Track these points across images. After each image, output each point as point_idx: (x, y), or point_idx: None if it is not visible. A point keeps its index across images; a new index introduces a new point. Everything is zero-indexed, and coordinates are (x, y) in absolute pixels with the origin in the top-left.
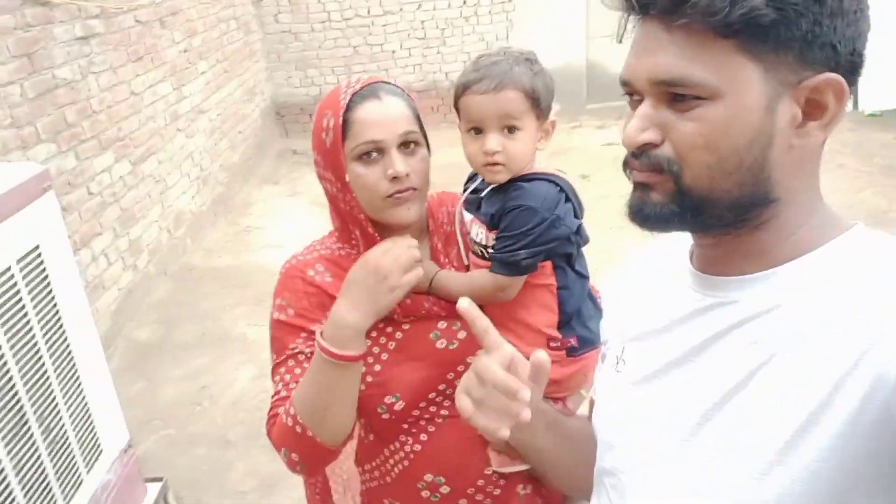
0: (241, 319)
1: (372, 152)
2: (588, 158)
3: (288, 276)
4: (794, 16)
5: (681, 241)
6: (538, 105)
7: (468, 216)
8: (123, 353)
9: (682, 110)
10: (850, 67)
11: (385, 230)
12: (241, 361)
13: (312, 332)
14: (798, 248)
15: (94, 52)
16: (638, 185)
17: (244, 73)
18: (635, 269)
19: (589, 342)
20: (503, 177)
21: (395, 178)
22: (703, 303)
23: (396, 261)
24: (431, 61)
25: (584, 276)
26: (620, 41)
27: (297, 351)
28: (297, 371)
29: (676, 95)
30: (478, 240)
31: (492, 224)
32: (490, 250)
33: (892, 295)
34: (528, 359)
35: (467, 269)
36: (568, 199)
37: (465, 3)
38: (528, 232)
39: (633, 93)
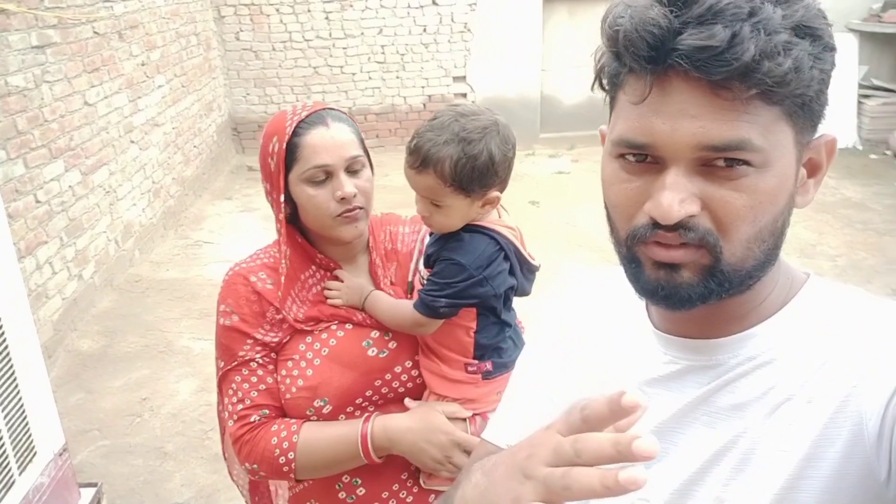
0: (186, 333)
1: (321, 175)
2: (539, 186)
3: (231, 282)
4: (825, 85)
5: (629, 287)
6: (461, 187)
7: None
8: (64, 364)
9: (727, 178)
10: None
11: (329, 244)
12: (184, 374)
13: (257, 340)
14: (770, 307)
15: (48, 62)
16: (661, 266)
17: (202, 89)
18: (584, 315)
19: (503, 367)
20: (438, 231)
21: (343, 199)
22: (677, 366)
23: (446, 447)
24: (391, 85)
25: (507, 324)
26: (643, 101)
27: (247, 358)
28: (254, 379)
29: (726, 161)
30: (422, 272)
31: (426, 263)
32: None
33: (863, 344)
34: (445, 378)
35: (410, 284)
36: (507, 258)
37: (424, 30)
38: (452, 284)
39: (646, 156)
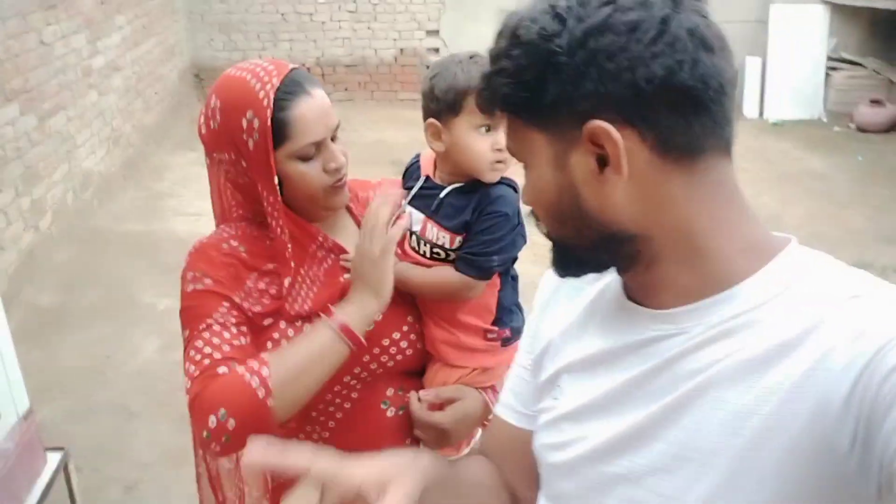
0: (149, 288)
1: (312, 150)
2: None
3: (198, 251)
4: (538, 86)
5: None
6: None
7: (418, 214)
8: (21, 318)
9: None
10: (642, 102)
11: (314, 217)
12: (148, 331)
13: (234, 303)
14: (734, 276)
15: None
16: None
17: (164, 32)
18: (564, 285)
19: (518, 332)
20: (498, 175)
21: (336, 170)
22: (642, 335)
23: (375, 231)
24: (361, 36)
25: (515, 278)
26: None
27: (221, 320)
28: (226, 335)
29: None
30: (439, 242)
31: (459, 229)
32: (453, 252)
33: (830, 317)
34: (461, 347)
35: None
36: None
37: None
38: (502, 238)
39: None
